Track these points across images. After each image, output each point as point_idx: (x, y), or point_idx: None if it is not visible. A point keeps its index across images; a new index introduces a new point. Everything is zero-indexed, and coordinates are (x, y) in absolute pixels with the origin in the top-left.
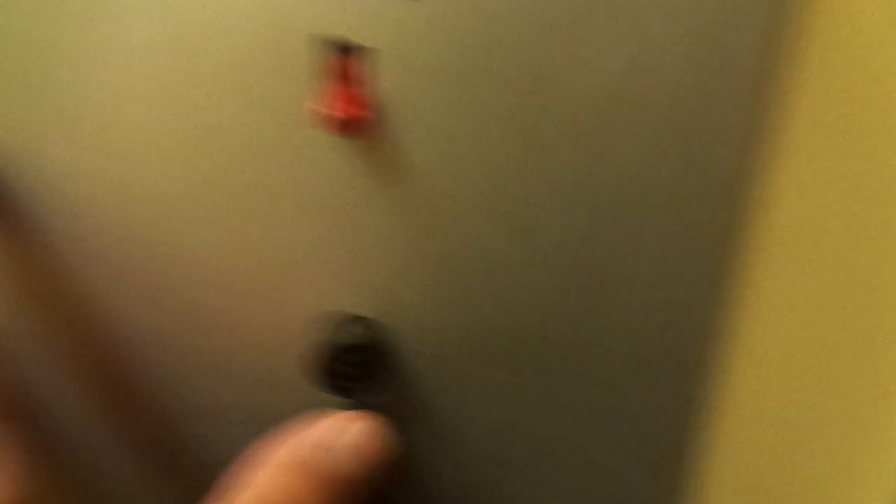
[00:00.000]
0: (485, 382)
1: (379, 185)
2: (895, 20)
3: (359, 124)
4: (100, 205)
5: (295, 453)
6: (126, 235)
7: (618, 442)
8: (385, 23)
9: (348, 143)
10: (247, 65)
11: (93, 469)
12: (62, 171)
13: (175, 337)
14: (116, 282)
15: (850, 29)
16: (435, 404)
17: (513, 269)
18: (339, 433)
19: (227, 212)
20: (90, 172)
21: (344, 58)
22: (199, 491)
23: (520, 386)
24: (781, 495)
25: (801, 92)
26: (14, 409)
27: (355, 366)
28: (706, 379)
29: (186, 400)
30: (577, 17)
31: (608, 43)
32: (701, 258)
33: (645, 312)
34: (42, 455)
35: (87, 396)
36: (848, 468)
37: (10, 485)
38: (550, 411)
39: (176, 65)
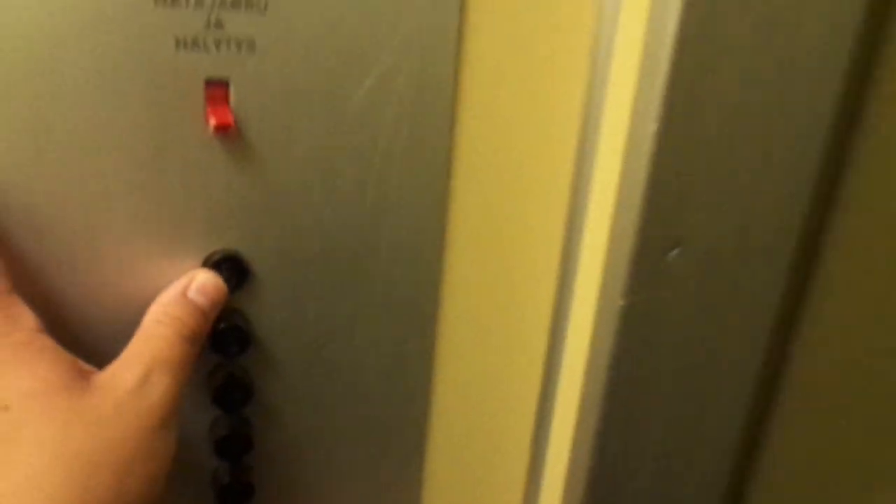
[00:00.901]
0: (307, 281)
1: (241, 164)
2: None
3: (227, 128)
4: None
5: (168, 296)
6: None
7: (384, 306)
8: (240, 64)
9: (221, 140)
10: (145, 94)
11: None
12: None
13: (87, 296)
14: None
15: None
16: (278, 294)
17: (318, 209)
18: (190, 282)
19: (132, 189)
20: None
21: (217, 86)
22: None
23: (325, 281)
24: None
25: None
26: None
27: (230, 270)
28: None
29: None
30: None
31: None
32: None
33: (395, 235)
34: None
35: None
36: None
37: None
38: (341, 298)
39: (99, 98)
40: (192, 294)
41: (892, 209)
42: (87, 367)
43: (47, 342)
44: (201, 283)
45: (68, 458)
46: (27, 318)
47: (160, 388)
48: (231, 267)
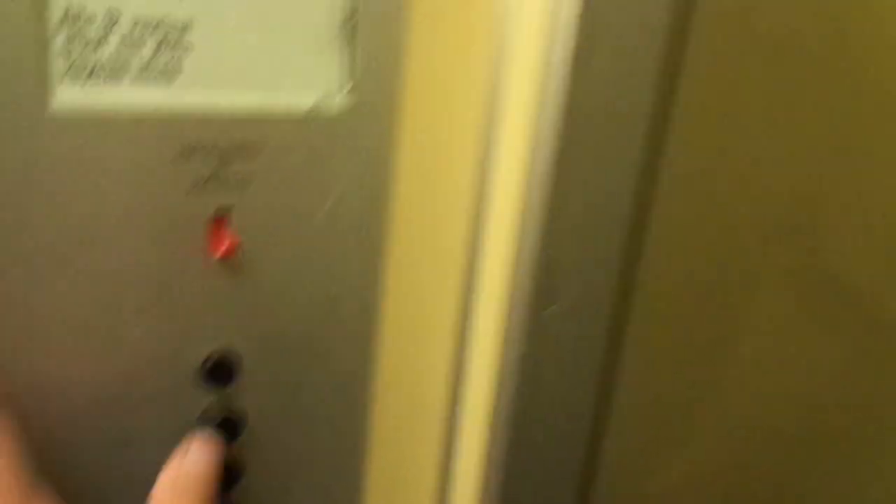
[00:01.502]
0: (284, 367)
1: (240, 278)
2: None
3: (231, 252)
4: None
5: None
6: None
7: (333, 380)
8: (239, 198)
9: (225, 262)
10: (158, 225)
11: None
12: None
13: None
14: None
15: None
16: (268, 382)
17: (290, 307)
18: (186, 452)
19: (142, 302)
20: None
21: (222, 216)
22: None
23: (294, 368)
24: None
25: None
26: None
27: (222, 369)
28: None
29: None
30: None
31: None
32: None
33: (341, 325)
34: None
35: None
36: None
37: None
38: (304, 377)
39: (118, 229)
40: (189, 466)
41: (685, 265)
42: None
43: None
44: (196, 452)
45: None
46: None
47: None
48: (224, 365)
